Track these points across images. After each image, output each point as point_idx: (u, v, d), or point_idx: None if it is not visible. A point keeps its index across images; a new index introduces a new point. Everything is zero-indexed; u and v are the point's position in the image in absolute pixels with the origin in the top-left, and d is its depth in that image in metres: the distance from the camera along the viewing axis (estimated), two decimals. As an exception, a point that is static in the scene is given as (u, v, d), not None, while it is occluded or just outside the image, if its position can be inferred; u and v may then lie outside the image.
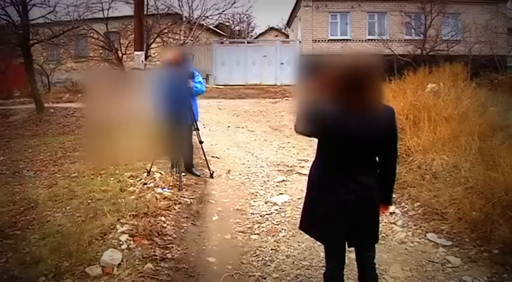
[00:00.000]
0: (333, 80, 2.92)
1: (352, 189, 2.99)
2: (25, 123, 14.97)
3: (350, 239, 3.19)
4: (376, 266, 4.31)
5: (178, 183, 6.49)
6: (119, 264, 4.07)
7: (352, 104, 2.85)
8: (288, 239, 5.05)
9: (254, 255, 4.72)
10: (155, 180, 6.59)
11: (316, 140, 3.14)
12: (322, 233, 3.21)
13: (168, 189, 6.28)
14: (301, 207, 3.41)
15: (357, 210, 3.02)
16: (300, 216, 3.39)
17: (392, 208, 5.78)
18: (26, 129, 13.95)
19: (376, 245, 4.74)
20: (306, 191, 3.33)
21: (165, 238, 4.79)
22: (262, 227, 5.46)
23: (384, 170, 3.11)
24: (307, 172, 3.36)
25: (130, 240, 4.54)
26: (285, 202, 6.23)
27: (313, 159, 3.27)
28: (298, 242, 4.95)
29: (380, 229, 5.13)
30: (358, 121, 2.87)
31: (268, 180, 7.31)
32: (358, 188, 3.00)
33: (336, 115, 2.89)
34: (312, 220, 3.22)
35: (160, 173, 6.92)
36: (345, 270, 3.47)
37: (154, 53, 21.84)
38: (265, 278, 4.23)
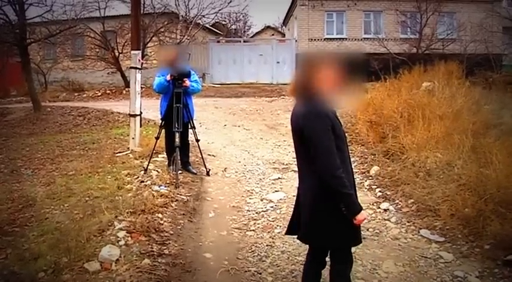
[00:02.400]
0: None
1: (299, 180, 3.26)
2: (22, 121, 15.02)
3: (299, 232, 3.27)
4: (370, 262, 4.41)
5: (175, 181, 6.53)
6: (117, 259, 4.13)
7: (297, 90, 3.16)
8: (283, 235, 5.09)
9: (250, 251, 4.79)
10: (152, 178, 6.64)
11: None
12: None
13: (165, 186, 6.34)
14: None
15: (300, 205, 3.21)
16: None
17: (386, 205, 5.86)
18: (23, 128, 14.01)
19: (370, 242, 4.85)
20: None
21: (162, 234, 4.84)
22: (258, 224, 5.53)
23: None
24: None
25: (128, 237, 4.60)
26: (281, 199, 6.30)
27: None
28: (293, 238, 4.99)
29: (374, 226, 5.27)
30: (293, 109, 3.17)
31: (264, 178, 7.37)
32: (300, 183, 3.24)
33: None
34: None
35: (157, 171, 6.98)
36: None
37: (151, 52, 21.84)
38: (260, 273, 4.30)
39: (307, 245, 3.40)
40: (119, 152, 8.55)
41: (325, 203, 2.99)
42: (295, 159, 3.29)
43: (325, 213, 3.01)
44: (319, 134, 2.92)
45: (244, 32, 42.33)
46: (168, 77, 6.75)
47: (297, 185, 3.34)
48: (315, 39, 23.56)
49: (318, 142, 2.92)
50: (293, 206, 3.40)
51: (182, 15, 23.64)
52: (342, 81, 3.12)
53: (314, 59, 3.24)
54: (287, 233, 3.47)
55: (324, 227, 3.04)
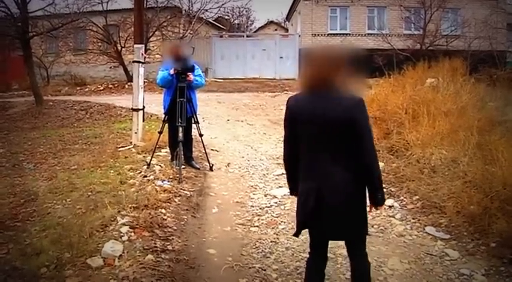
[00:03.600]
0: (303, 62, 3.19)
1: (316, 177, 3.00)
2: (24, 116, 15.02)
3: (319, 229, 3.11)
4: (375, 259, 4.37)
5: (178, 175, 6.51)
6: (120, 255, 4.09)
7: (312, 84, 3.02)
8: (288, 231, 5.06)
9: (254, 247, 4.75)
10: (155, 172, 6.61)
11: None
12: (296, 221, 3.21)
13: (168, 181, 6.31)
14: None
15: (321, 199, 2.97)
16: None
17: (390, 202, 5.82)
18: (25, 122, 14.00)
19: (375, 239, 4.81)
20: None
21: (165, 230, 4.81)
22: (262, 220, 5.49)
23: (358, 167, 2.95)
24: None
25: (131, 232, 4.56)
26: (285, 195, 6.22)
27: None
28: (297, 234, 4.99)
29: (379, 223, 5.24)
30: (315, 101, 2.96)
31: (267, 173, 7.33)
32: (322, 176, 2.99)
33: (297, 96, 3.12)
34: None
35: (160, 165, 6.95)
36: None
37: (153, 47, 21.80)
38: (265, 270, 4.26)
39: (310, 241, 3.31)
40: (122, 147, 8.52)
41: (359, 196, 3.02)
42: (307, 156, 3.08)
43: (359, 206, 3.05)
44: (368, 125, 2.95)
45: (247, 26, 42.35)
46: (172, 71, 6.71)
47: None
48: (318, 35, 23.49)
49: (366, 133, 2.93)
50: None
51: (185, 10, 23.61)
52: (360, 74, 3.11)
53: (339, 51, 3.16)
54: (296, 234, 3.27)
55: (358, 220, 3.06)
